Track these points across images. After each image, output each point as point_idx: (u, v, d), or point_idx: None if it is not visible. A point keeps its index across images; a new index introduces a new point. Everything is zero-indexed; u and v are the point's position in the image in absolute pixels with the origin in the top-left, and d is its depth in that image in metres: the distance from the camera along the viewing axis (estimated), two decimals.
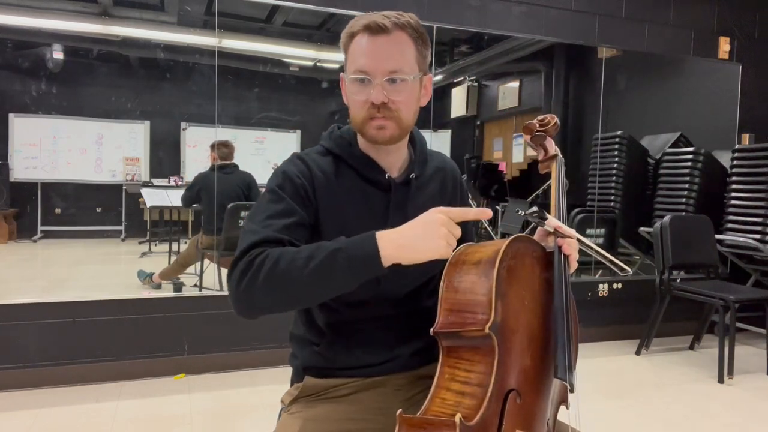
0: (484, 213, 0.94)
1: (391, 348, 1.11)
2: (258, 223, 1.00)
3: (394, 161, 1.13)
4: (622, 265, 1.13)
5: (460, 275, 0.97)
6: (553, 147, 1.24)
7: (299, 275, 0.89)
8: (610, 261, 1.11)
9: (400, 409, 0.86)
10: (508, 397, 0.90)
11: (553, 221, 1.05)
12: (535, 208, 1.04)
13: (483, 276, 0.94)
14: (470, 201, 1.32)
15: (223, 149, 4.15)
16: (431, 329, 0.95)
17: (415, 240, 0.88)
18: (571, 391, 0.95)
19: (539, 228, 1.10)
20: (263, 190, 1.10)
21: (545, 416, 0.98)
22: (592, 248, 1.11)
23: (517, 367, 0.93)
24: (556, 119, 1.23)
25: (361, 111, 1.05)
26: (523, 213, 1.08)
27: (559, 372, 0.94)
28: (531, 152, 7.65)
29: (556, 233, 1.04)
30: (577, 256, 1.06)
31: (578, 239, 1.07)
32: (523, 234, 1.05)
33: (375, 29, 1.01)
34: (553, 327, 1.00)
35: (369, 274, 0.90)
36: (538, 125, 1.23)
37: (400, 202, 1.12)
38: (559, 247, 1.03)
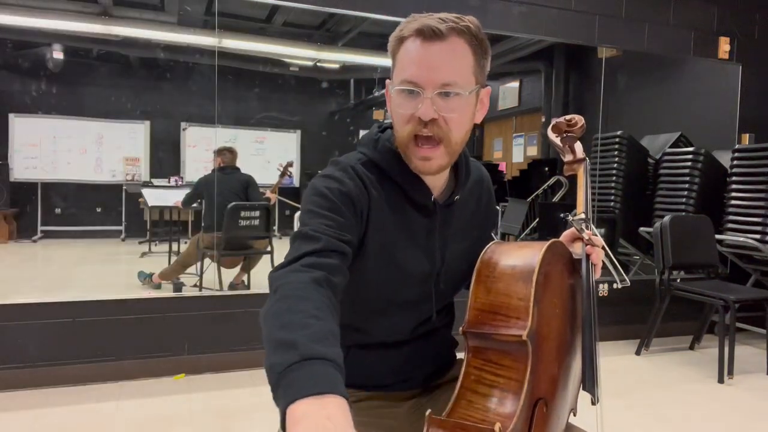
0: None
1: (405, 372, 1.11)
2: (318, 228, 0.86)
3: (437, 180, 1.03)
4: (624, 276, 1.12)
5: (493, 275, 0.93)
6: (581, 149, 1.18)
7: (266, 323, 0.73)
8: (616, 269, 1.11)
9: (429, 410, 0.82)
10: (537, 405, 0.88)
11: (590, 230, 1.04)
12: (583, 215, 1.02)
13: (520, 280, 0.90)
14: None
15: (228, 154, 4.22)
16: (461, 328, 0.91)
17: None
18: (594, 403, 0.94)
19: (567, 233, 1.08)
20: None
21: (563, 424, 0.98)
22: (610, 258, 1.10)
23: (547, 375, 0.91)
24: (583, 121, 1.16)
25: (405, 126, 0.93)
26: (571, 218, 1.05)
27: (587, 386, 0.93)
28: (531, 152, 7.63)
29: (588, 242, 1.02)
30: (601, 265, 1.04)
31: (602, 247, 1.05)
32: (558, 240, 1.02)
33: (428, 34, 0.89)
34: (579, 337, 0.99)
35: (271, 387, 0.66)
36: (566, 125, 1.18)
37: (442, 227, 1.05)
38: (588, 256, 1.01)
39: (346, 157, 1.02)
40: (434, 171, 0.96)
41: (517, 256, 0.94)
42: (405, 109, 0.92)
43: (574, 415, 1.06)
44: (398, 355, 1.08)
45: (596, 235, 1.04)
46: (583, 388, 0.94)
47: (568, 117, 1.18)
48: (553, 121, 1.20)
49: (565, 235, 1.09)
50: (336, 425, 0.58)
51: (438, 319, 1.12)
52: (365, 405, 1.10)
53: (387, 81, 0.98)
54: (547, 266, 0.93)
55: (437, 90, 0.90)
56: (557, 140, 1.19)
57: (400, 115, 0.93)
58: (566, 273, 1.01)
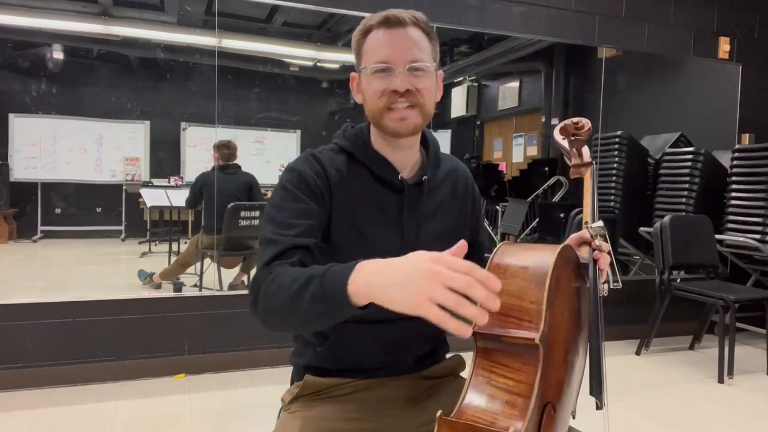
0: (492, 280, 0.67)
1: (394, 352, 1.11)
2: (277, 229, 0.96)
3: (406, 160, 1.11)
4: (618, 278, 1.12)
5: (504, 276, 0.93)
6: (588, 153, 1.18)
7: (284, 303, 0.83)
8: (613, 270, 1.11)
9: (440, 411, 0.83)
10: (546, 409, 0.87)
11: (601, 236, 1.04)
12: (601, 223, 1.03)
13: (533, 283, 0.90)
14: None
15: (225, 150, 4.15)
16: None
17: (388, 285, 0.69)
18: (599, 408, 0.94)
19: (574, 236, 1.08)
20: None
21: (566, 427, 0.98)
22: (612, 264, 1.11)
23: (555, 379, 0.91)
24: (590, 124, 1.17)
25: (380, 101, 1.02)
26: (590, 225, 1.06)
27: (594, 390, 0.93)
28: (531, 152, 7.64)
29: (596, 247, 1.03)
30: (607, 270, 1.06)
31: (609, 252, 1.06)
32: (568, 244, 1.02)
33: (394, 22, 1.02)
34: (583, 342, 0.99)
35: (339, 312, 0.76)
36: (574, 127, 1.17)
37: (412, 204, 1.10)
38: (595, 261, 1.02)
39: (318, 148, 1.12)
40: (410, 130, 1.04)
41: (529, 259, 0.94)
42: (378, 85, 1.02)
43: (573, 417, 1.06)
44: (382, 333, 1.09)
45: (606, 241, 1.05)
46: (590, 393, 0.94)
47: (575, 120, 1.18)
48: (561, 123, 1.20)
49: (572, 239, 1.09)
50: (382, 265, 0.71)
51: None
52: (357, 398, 1.10)
53: (352, 74, 1.09)
54: (558, 270, 0.92)
55: (407, 65, 1.01)
56: (565, 143, 1.18)
57: (373, 92, 1.03)
58: (573, 277, 1.01)
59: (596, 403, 0.95)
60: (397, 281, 0.68)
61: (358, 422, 1.07)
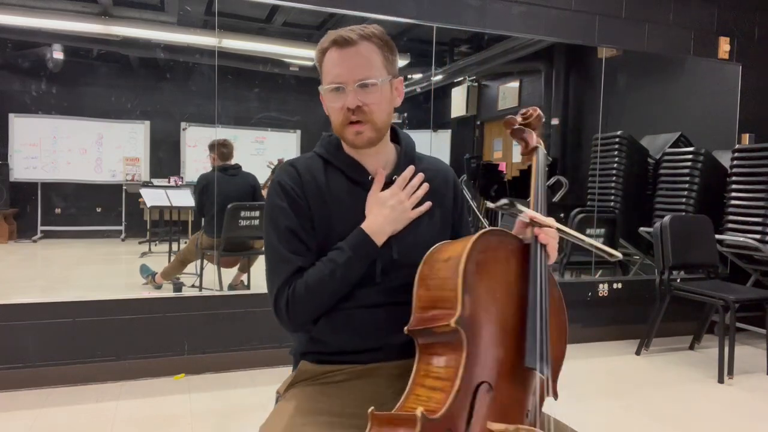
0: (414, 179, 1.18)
1: (382, 336, 1.13)
2: (282, 254, 1.11)
3: (378, 162, 1.18)
4: (611, 250, 1.13)
5: (431, 273, 1.00)
6: (534, 139, 1.24)
7: (332, 287, 1.08)
8: (597, 248, 1.12)
9: (372, 408, 0.88)
10: (479, 389, 0.90)
11: (528, 212, 1.06)
12: (504, 201, 1.05)
13: (451, 271, 0.95)
14: (470, 201, 1.34)
15: (222, 149, 4.11)
16: (405, 328, 0.98)
17: (387, 225, 1.11)
18: (542, 376, 0.96)
19: (517, 220, 1.12)
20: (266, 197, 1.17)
21: (524, 408, 0.99)
22: (573, 236, 1.11)
23: (488, 359, 0.94)
24: (539, 111, 1.25)
25: (338, 117, 1.13)
26: (493, 206, 1.09)
27: (527, 360, 0.95)
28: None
29: (533, 223, 1.05)
30: (557, 245, 1.08)
31: (558, 228, 1.08)
32: (496, 227, 1.06)
33: (342, 42, 1.10)
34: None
35: (373, 255, 1.10)
36: (520, 119, 1.25)
37: None
38: (536, 237, 1.05)
39: (298, 156, 1.24)
40: (366, 142, 1.13)
41: (450, 251, 0.99)
42: (335, 103, 1.12)
43: (555, 398, 1.04)
44: (369, 317, 1.13)
45: (538, 215, 1.07)
46: (524, 364, 0.95)
47: (523, 111, 1.26)
48: (506, 117, 1.27)
49: (516, 224, 1.14)
50: (373, 220, 1.12)
51: (411, 291, 1.15)
52: (349, 386, 1.13)
53: (319, 88, 1.18)
54: (480, 255, 0.97)
55: (357, 83, 1.09)
56: (509, 134, 1.26)
57: (333, 109, 1.14)
58: (513, 259, 1.04)
59: (540, 377, 0.97)
60: (390, 219, 1.12)
61: (349, 407, 1.10)
